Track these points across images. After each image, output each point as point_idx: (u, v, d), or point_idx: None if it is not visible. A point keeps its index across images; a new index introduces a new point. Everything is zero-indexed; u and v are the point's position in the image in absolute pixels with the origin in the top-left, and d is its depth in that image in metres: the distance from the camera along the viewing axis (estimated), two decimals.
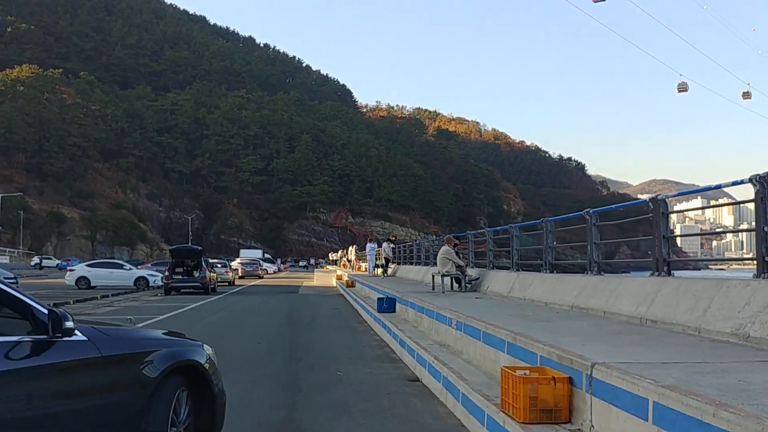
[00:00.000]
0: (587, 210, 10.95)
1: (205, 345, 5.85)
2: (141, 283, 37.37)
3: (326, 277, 51.58)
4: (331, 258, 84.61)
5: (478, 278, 16.44)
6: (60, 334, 4.19)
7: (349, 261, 54.16)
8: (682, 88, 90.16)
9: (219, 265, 45.10)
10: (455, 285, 16.72)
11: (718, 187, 8.28)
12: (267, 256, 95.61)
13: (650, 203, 9.27)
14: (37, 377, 4.01)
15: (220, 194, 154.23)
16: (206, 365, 5.57)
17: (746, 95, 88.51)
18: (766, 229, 7.01)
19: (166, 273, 33.30)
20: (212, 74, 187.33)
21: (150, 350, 5.01)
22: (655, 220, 9.08)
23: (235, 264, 58.50)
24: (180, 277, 32.87)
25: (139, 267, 46.69)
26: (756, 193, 7.12)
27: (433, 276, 17.47)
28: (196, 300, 27.56)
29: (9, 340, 3.94)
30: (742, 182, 7.43)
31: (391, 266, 33.35)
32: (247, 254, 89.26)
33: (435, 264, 25.34)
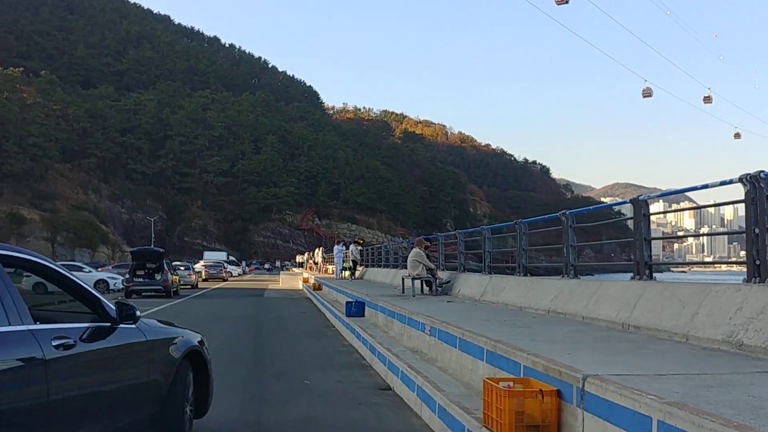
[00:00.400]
0: (563, 211, 10.62)
1: (200, 334, 6.83)
2: (101, 286, 36.40)
3: (292, 280, 50.98)
4: (297, 260, 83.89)
5: (449, 281, 16.06)
6: (131, 321, 5.33)
7: (316, 263, 53.60)
8: (647, 93, 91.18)
9: (182, 268, 44.29)
10: (425, 288, 16.34)
11: (705, 187, 7.92)
12: (231, 258, 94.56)
13: (631, 204, 8.94)
14: (109, 353, 5.02)
15: (184, 196, 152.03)
16: (204, 351, 6.65)
17: (707, 99, 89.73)
18: (756, 231, 6.67)
19: (127, 276, 32.51)
20: (176, 74, 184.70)
21: (173, 337, 6.07)
22: (636, 222, 8.76)
23: (198, 266, 57.57)
24: (141, 279, 32.08)
25: (99, 269, 45.64)
26: (746, 194, 6.77)
27: (403, 279, 17.06)
28: (158, 303, 26.82)
29: (90, 326, 4.88)
30: (731, 182, 7.07)
31: (359, 269, 32.90)
32: (211, 256, 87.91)
33: (405, 267, 25.10)
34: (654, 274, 8.49)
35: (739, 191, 7.08)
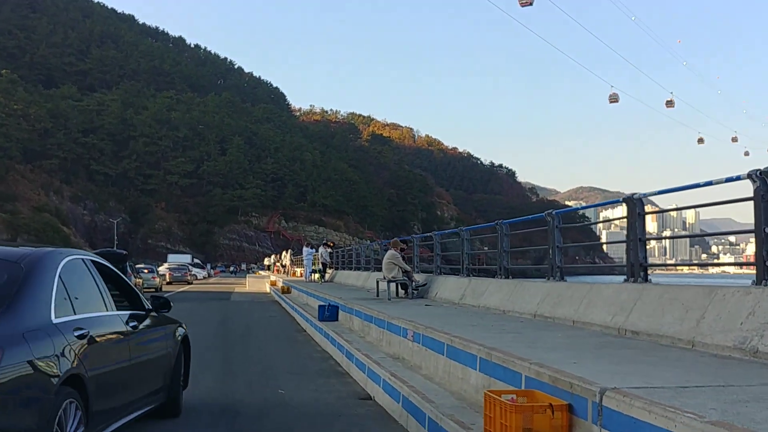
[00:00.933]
0: (549, 211, 10.18)
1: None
2: None
3: (259, 283, 50.15)
4: (265, 263, 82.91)
5: (425, 284, 15.58)
6: (166, 310, 7.15)
7: (284, 266, 52.86)
8: (614, 99, 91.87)
9: (145, 271, 43.28)
10: (401, 291, 15.85)
11: (709, 184, 7.48)
12: (196, 261, 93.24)
13: (625, 204, 8.51)
14: (153, 333, 6.66)
15: (148, 197, 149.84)
16: (188, 337, 8.07)
17: (669, 104, 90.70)
18: (767, 230, 6.27)
19: None
20: (140, 74, 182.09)
21: (177, 324, 7.78)
22: (630, 222, 8.32)
23: (162, 269, 56.45)
24: None
25: None
26: (755, 191, 6.35)
27: (377, 282, 16.53)
28: None
29: (135, 312, 6.30)
30: (738, 178, 6.68)
31: (329, 271, 32.32)
32: (175, 259, 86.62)
33: (378, 269, 24.57)
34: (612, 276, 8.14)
35: (742, 189, 6.66)
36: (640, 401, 3.82)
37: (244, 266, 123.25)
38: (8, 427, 3.99)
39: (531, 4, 45.10)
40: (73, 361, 4.64)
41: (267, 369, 11.04)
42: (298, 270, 47.43)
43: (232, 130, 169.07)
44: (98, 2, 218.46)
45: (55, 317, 4.72)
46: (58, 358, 4.46)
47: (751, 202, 6.37)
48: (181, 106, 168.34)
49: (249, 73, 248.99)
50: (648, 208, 8.88)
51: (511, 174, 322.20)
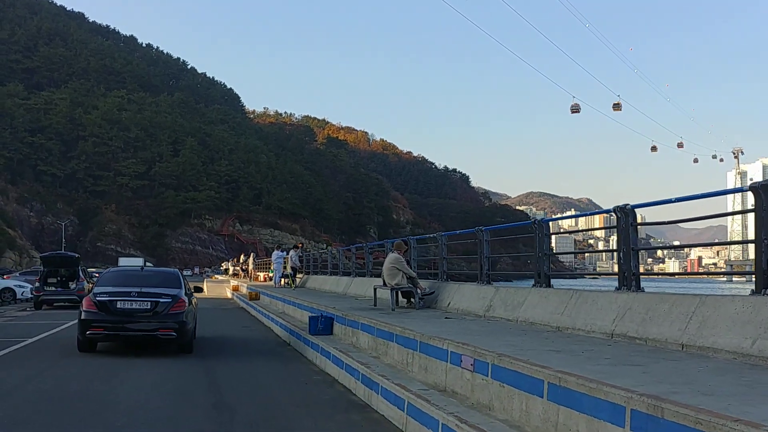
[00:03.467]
0: (624, 205, 8.31)
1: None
2: (7, 295, 32.55)
3: (219, 288, 47.65)
4: (222, 267, 79.94)
5: (432, 292, 13.61)
6: (198, 292, 18.18)
7: (245, 270, 50.40)
8: (575, 109, 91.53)
9: (97, 275, 40.48)
10: (401, 300, 13.87)
11: (708, 195, 7.97)
12: (149, 264, 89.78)
13: (616, 213, 8.26)
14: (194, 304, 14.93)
15: (97, 199, 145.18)
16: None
17: (616, 107, 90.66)
18: (767, 241, 6.37)
19: (37, 284, 28.77)
20: (90, 73, 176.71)
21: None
22: (623, 231, 8.05)
23: None
24: (53, 288, 28.46)
25: (4, 277, 41.18)
26: (756, 202, 6.61)
27: (375, 289, 14.50)
28: (73, 316, 23.35)
29: (190, 291, 15.62)
30: (742, 190, 7.15)
31: (299, 276, 30.15)
32: (127, 263, 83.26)
33: (361, 274, 22.51)
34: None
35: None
36: None
37: (197, 270, 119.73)
38: (192, 325, 14.04)
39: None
40: (194, 301, 14.69)
41: (266, 399, 8.98)
42: (261, 274, 45.11)
43: (185, 131, 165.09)
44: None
45: (185, 291, 14.07)
46: (191, 300, 14.39)
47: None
48: (132, 106, 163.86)
49: (202, 73, 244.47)
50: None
51: (464, 179, 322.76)
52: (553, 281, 11.46)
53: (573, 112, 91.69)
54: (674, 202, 8.76)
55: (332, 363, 10.96)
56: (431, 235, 14.72)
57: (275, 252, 31.92)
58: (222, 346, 15.31)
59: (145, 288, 13.63)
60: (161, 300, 13.28)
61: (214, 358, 13.23)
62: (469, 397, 6.59)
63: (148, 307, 13.22)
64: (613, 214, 8.34)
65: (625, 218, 8.22)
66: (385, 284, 14.03)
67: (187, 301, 13.66)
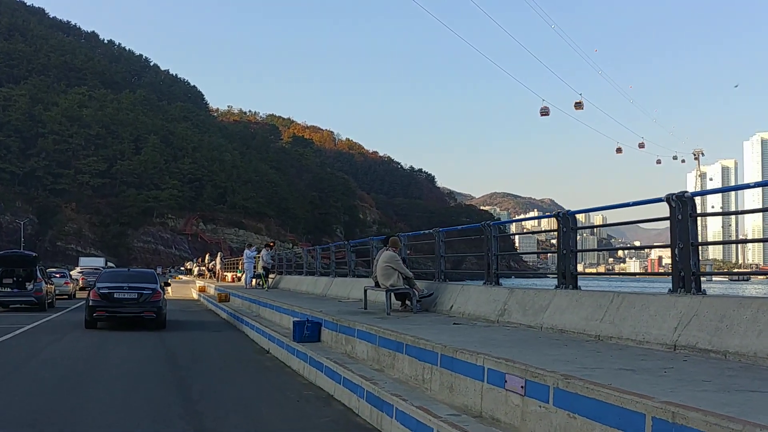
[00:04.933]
0: (679, 193, 7.17)
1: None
2: None
3: (183, 289, 46.00)
4: (187, 267, 77.82)
5: (431, 294, 12.37)
6: (167, 285, 36.79)
7: (211, 270, 48.76)
8: (545, 112, 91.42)
9: (57, 275, 38.60)
10: (394, 302, 12.62)
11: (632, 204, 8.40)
12: (110, 264, 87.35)
13: (672, 202, 7.23)
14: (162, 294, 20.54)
15: (57, 197, 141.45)
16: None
17: (578, 105, 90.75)
18: (681, 246, 6.94)
19: None
20: (50, 69, 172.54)
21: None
22: (681, 226, 7.11)
23: (75, 273, 51.40)
24: (9, 289, 26.65)
25: None
26: (671, 212, 7.12)
27: (365, 291, 13.23)
28: (30, 319, 21.83)
29: (161, 284, 21.61)
30: (660, 200, 7.34)
31: (271, 276, 28.72)
32: (88, 263, 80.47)
33: (341, 274, 21.20)
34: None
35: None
36: None
37: (159, 270, 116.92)
38: (165, 309, 20.32)
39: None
40: (165, 291, 22.51)
41: (254, 421, 7.67)
42: (229, 274, 43.61)
43: (148, 129, 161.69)
44: None
45: (160, 285, 20.44)
46: (164, 292, 21.72)
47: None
48: (93, 103, 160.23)
49: (165, 70, 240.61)
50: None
51: (430, 179, 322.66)
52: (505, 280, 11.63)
53: (542, 115, 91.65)
54: (602, 209, 10.18)
55: (325, 376, 9.66)
56: (427, 231, 13.45)
57: (246, 251, 30.42)
58: (193, 352, 13.94)
59: (132, 283, 19.69)
60: (144, 292, 19.38)
61: (184, 367, 11.88)
62: (519, 428, 5.35)
63: (136, 296, 19.23)
64: (666, 203, 7.17)
65: (682, 209, 7.21)
66: (377, 285, 12.78)
67: (162, 292, 20.31)
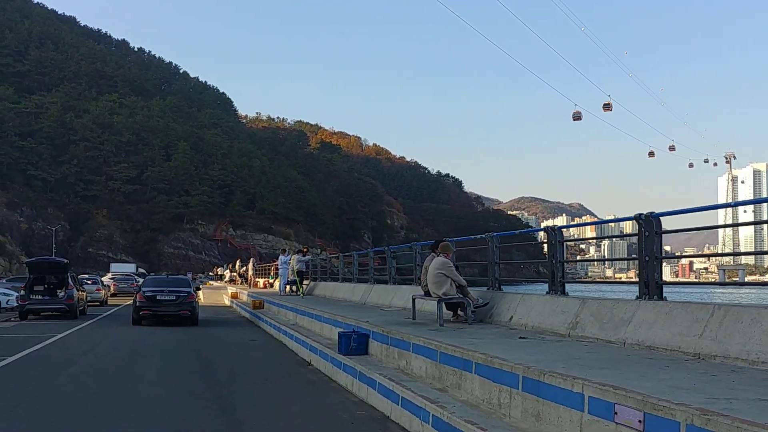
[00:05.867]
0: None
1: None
2: None
3: (215, 295, 45.45)
4: (218, 272, 77.40)
5: (486, 303, 11.49)
6: (199, 289, 34.17)
7: (242, 276, 48.20)
8: (577, 117, 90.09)
9: (89, 282, 38.26)
10: (446, 312, 11.73)
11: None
12: (141, 270, 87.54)
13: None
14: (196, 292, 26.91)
15: (89, 204, 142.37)
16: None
17: (607, 107, 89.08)
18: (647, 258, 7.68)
19: (22, 292, 26.53)
20: (82, 77, 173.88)
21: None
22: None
23: (106, 279, 51.21)
24: (40, 297, 26.23)
25: None
26: (639, 229, 8.00)
27: (413, 300, 12.37)
28: (61, 328, 21.30)
29: (195, 288, 27.84)
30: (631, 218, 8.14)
31: (305, 283, 27.98)
32: (119, 269, 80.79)
33: (382, 281, 20.31)
34: None
35: None
36: None
37: (189, 275, 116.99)
38: (198, 309, 24.68)
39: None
40: (198, 294, 27.89)
41: None
42: (261, 281, 43.02)
43: (178, 135, 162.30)
44: (38, 3, 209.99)
45: (193, 289, 25.01)
46: (197, 294, 26.46)
47: None
48: (124, 110, 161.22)
49: (195, 78, 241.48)
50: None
51: (458, 184, 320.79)
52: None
53: (575, 120, 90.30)
54: (582, 225, 12.99)
55: (378, 394, 8.83)
56: (479, 236, 12.58)
57: (281, 257, 29.69)
58: (232, 367, 13.17)
59: (171, 287, 23.84)
60: (181, 294, 23.47)
61: (221, 381, 11.12)
62: None
63: (174, 298, 23.30)
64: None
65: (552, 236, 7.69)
66: (426, 294, 11.93)
67: (195, 295, 24.90)
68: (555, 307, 9.55)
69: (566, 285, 10.37)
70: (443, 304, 11.36)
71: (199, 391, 10.34)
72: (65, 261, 29.04)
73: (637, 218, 8.28)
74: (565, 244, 10.28)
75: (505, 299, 11.17)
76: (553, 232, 10.13)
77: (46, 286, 26.64)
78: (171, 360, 13.98)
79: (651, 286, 8.08)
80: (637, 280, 8.47)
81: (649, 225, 8.13)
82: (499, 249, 12.22)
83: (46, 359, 13.92)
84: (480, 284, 13.57)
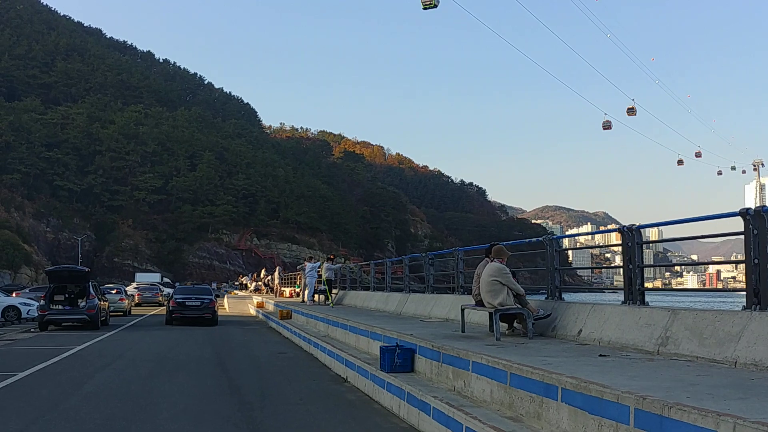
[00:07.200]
0: None
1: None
2: (11, 313, 29.43)
3: (240, 305, 44.48)
4: (243, 282, 76.53)
5: (548, 315, 10.22)
6: (219, 297, 45.82)
7: (268, 285, 47.16)
8: (607, 126, 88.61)
9: (113, 291, 37.45)
10: (497, 324, 10.46)
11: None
12: (166, 280, 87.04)
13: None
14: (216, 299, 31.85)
15: (114, 214, 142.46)
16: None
17: (631, 111, 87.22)
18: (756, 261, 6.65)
19: (42, 302, 25.61)
20: (107, 88, 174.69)
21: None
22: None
23: (130, 289, 50.45)
24: (60, 307, 25.31)
25: (14, 293, 37.95)
26: (745, 225, 6.88)
27: (462, 310, 11.11)
28: (82, 339, 20.29)
29: (215, 295, 32.97)
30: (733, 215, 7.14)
31: (334, 292, 26.78)
32: (143, 278, 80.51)
33: (418, 290, 19.11)
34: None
35: None
36: None
37: (214, 285, 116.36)
38: (217, 312, 30.55)
39: (435, 6, 40.38)
40: (216, 300, 32.05)
41: None
42: (287, 290, 41.96)
43: (203, 146, 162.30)
44: (64, 15, 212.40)
45: (214, 296, 30.99)
46: (216, 300, 31.83)
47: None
48: (149, 121, 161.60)
49: (219, 88, 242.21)
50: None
51: (481, 192, 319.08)
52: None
53: (605, 129, 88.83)
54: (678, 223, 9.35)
55: (433, 420, 7.57)
56: (535, 239, 11.31)
57: (308, 264, 28.48)
58: (259, 381, 12.01)
59: (196, 295, 29.79)
60: (204, 300, 29.01)
61: (250, 402, 9.94)
62: None
63: (199, 304, 28.69)
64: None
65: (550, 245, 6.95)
66: (478, 304, 10.68)
67: (215, 301, 30.30)
68: (637, 319, 8.24)
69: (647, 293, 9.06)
70: (499, 316, 10.11)
71: (227, 414, 9.16)
72: (86, 270, 28.12)
73: (744, 214, 6.98)
74: (641, 246, 8.96)
75: (571, 310, 9.87)
76: (630, 233, 8.83)
77: (66, 295, 25.73)
78: (196, 377, 12.81)
79: (762, 296, 6.77)
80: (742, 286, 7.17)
81: (758, 220, 6.84)
82: (559, 254, 10.93)
83: (61, 375, 12.85)
84: (530, 292, 12.32)
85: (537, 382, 6.30)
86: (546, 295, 11.17)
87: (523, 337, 9.99)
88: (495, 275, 10.12)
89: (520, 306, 10.10)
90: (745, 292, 7.11)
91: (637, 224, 8.90)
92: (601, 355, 7.61)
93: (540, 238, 11.21)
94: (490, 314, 10.33)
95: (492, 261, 10.49)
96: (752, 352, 6.35)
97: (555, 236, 11.02)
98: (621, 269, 9.19)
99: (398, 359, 9.97)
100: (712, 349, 6.83)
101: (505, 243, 11.09)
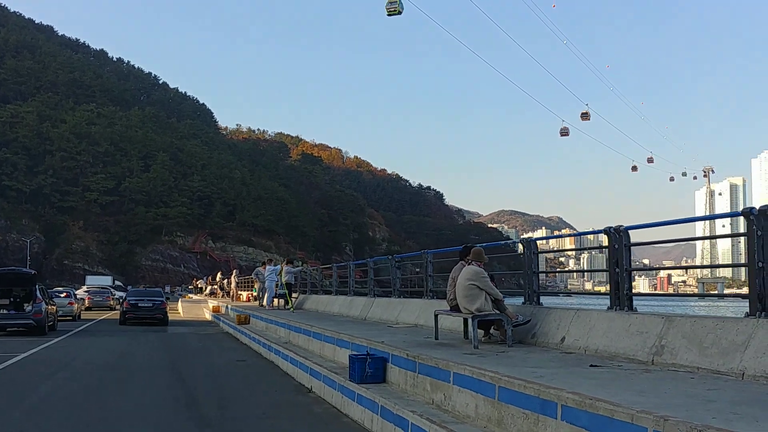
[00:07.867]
0: None
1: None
2: None
3: (195, 309, 43.40)
4: (197, 285, 75.20)
5: (527, 321, 9.68)
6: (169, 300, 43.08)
7: (223, 289, 46.12)
8: (564, 132, 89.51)
9: (62, 295, 36.13)
10: (476, 331, 9.90)
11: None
12: (118, 283, 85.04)
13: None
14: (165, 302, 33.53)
15: (65, 215, 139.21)
16: None
17: (585, 116, 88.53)
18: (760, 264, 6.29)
19: None
20: (59, 86, 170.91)
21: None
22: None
23: (81, 293, 48.91)
24: (5, 311, 24.05)
25: None
26: (748, 227, 6.53)
27: (436, 316, 10.54)
28: (26, 346, 19.20)
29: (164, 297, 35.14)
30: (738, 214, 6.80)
31: (294, 295, 26.01)
32: (95, 281, 78.75)
33: (384, 294, 18.50)
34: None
35: None
36: None
37: (168, 288, 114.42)
38: (167, 313, 32.46)
39: (400, 13, 40.46)
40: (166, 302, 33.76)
41: None
42: (244, 294, 41.03)
43: (157, 146, 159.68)
44: (14, 12, 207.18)
45: (164, 298, 33.60)
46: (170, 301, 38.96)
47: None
48: (102, 120, 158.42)
49: (174, 88, 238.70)
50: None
51: (439, 196, 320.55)
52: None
53: (562, 135, 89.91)
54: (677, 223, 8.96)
55: None
56: (509, 242, 10.78)
57: (268, 267, 27.64)
58: (219, 392, 11.25)
59: (148, 297, 32.18)
60: (156, 302, 31.36)
61: (216, 418, 9.20)
62: None
63: (151, 305, 30.98)
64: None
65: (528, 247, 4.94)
66: (453, 309, 10.11)
67: (166, 303, 32.79)
68: (627, 326, 7.73)
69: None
70: (476, 322, 9.54)
71: (184, 429, 8.43)
72: (33, 272, 26.86)
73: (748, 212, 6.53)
74: (629, 248, 8.47)
75: (552, 316, 9.35)
76: (618, 235, 8.34)
77: (12, 299, 24.49)
78: (150, 388, 11.99)
79: (765, 302, 6.30)
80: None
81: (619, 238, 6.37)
82: (537, 257, 10.41)
83: (1, 387, 11.93)
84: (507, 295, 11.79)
85: (532, 398, 5.72)
86: (524, 300, 10.64)
87: (501, 345, 9.44)
88: (473, 279, 9.55)
89: (498, 312, 9.55)
90: (748, 299, 6.63)
91: (624, 225, 8.39)
92: (592, 366, 7.07)
93: (517, 240, 10.68)
94: (465, 320, 9.77)
95: (469, 264, 9.92)
96: (762, 364, 5.86)
97: (533, 238, 10.44)
98: (606, 273, 8.68)
99: (369, 369, 9.33)
100: (715, 359, 6.34)
101: (481, 245, 10.55)
